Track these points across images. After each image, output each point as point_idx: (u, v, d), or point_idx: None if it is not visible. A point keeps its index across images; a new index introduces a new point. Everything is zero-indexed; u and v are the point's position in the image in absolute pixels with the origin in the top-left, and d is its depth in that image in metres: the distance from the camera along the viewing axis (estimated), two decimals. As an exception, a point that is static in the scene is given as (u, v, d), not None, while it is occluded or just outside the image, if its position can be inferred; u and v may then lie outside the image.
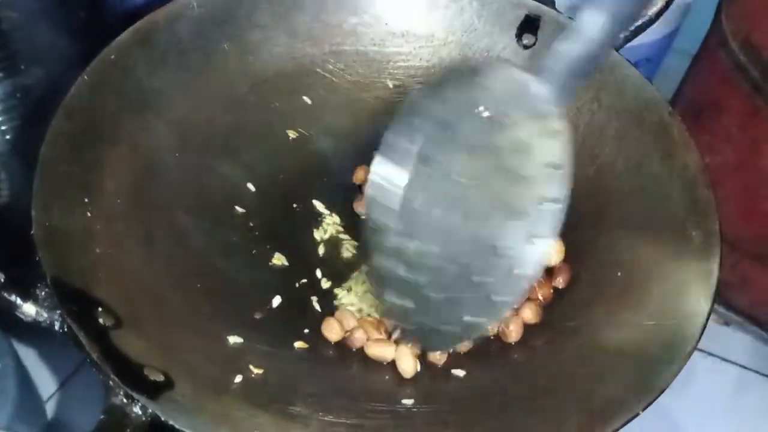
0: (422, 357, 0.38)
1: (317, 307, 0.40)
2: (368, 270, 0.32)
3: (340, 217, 0.45)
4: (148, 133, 0.42)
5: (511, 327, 0.39)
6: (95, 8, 0.54)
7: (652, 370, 0.34)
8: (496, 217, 0.31)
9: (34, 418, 0.55)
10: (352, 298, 0.41)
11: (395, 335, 0.38)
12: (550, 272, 0.41)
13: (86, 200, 0.38)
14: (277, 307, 0.40)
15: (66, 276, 0.34)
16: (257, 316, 0.39)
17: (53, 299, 0.33)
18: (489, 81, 0.31)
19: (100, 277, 0.36)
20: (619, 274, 0.40)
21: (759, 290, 0.67)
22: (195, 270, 0.39)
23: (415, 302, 0.32)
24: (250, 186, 0.44)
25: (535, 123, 0.31)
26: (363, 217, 0.32)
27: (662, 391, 0.33)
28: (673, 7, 0.46)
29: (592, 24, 0.30)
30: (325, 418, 0.34)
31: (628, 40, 0.45)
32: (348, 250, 0.43)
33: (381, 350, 0.38)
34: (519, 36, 0.47)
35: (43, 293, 0.33)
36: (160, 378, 0.32)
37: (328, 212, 0.45)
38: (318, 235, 0.44)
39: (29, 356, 0.62)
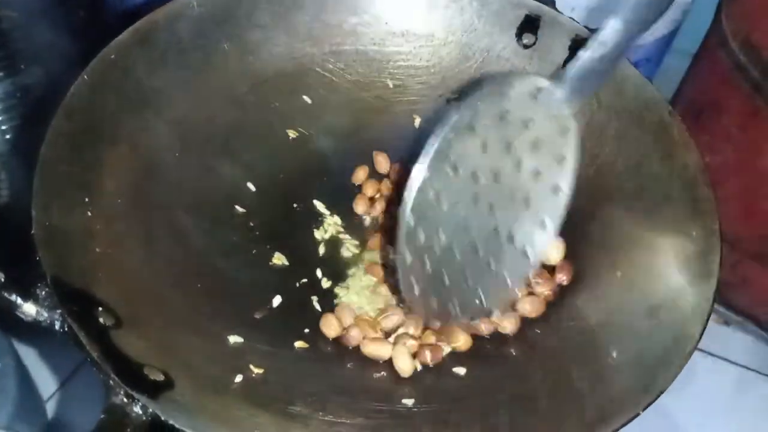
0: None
1: (317, 306, 0.40)
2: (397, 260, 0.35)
3: (340, 216, 0.45)
4: (148, 132, 0.42)
5: (508, 319, 0.39)
6: (95, 8, 0.54)
7: (652, 370, 0.34)
8: (513, 207, 0.35)
9: (35, 417, 0.55)
10: (351, 296, 0.41)
11: (390, 328, 0.39)
12: (552, 270, 0.41)
13: (86, 200, 0.38)
14: (278, 306, 0.40)
15: (66, 276, 0.34)
16: (257, 315, 0.39)
17: (53, 299, 0.33)
18: (512, 89, 0.35)
19: (101, 276, 0.36)
20: (618, 274, 0.40)
21: (759, 290, 0.67)
22: (195, 270, 0.39)
23: (433, 286, 0.35)
24: (251, 186, 0.44)
25: (551, 124, 0.35)
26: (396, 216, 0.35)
27: (663, 391, 0.33)
28: (673, 6, 0.46)
29: (609, 31, 0.33)
30: (326, 418, 0.34)
31: (628, 39, 0.45)
32: (348, 250, 0.43)
33: (376, 348, 0.38)
34: (519, 36, 0.47)
35: (43, 293, 0.33)
36: (161, 378, 0.32)
37: (329, 212, 0.45)
38: (318, 234, 0.44)
39: (29, 356, 0.62)
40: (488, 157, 0.34)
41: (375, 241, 0.44)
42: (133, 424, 0.31)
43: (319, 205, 0.45)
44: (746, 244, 0.63)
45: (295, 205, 0.44)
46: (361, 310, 0.40)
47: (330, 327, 0.39)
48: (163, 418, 0.31)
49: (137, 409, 0.31)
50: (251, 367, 0.36)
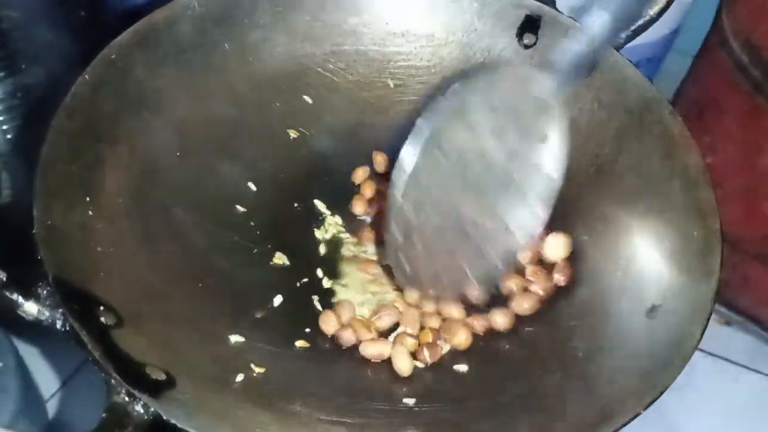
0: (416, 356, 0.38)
1: (318, 306, 0.40)
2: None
3: (341, 216, 0.45)
4: (148, 132, 0.42)
5: (501, 316, 0.39)
6: (95, 8, 0.54)
7: (652, 370, 0.34)
8: (501, 189, 0.36)
9: (36, 416, 0.55)
10: (348, 293, 0.41)
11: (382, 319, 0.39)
12: (550, 267, 0.41)
13: (87, 199, 0.38)
14: (279, 306, 0.40)
15: (67, 275, 0.34)
16: (258, 315, 0.39)
17: (55, 298, 0.33)
18: (500, 78, 0.36)
19: (102, 276, 0.36)
20: (619, 273, 0.40)
21: (760, 290, 0.67)
22: (196, 269, 0.39)
23: (410, 251, 0.37)
24: (251, 185, 0.44)
25: (538, 111, 0.36)
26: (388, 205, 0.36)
27: (663, 391, 0.33)
28: (674, 6, 0.46)
29: (596, 22, 0.34)
30: (327, 417, 0.34)
31: (629, 39, 0.45)
32: (349, 250, 0.43)
33: (376, 349, 0.38)
34: (520, 36, 0.47)
35: (44, 292, 0.33)
36: (162, 377, 0.33)
37: (329, 212, 0.45)
38: (319, 234, 0.44)
39: (31, 355, 0.62)
40: (476, 141, 0.35)
41: (366, 234, 0.44)
42: (134, 423, 0.31)
43: (320, 205, 0.45)
44: (747, 244, 0.63)
45: (295, 205, 0.44)
46: (362, 306, 0.40)
47: (328, 323, 0.39)
48: (164, 417, 0.31)
49: (139, 408, 0.31)
50: (252, 366, 0.36)
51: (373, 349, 0.38)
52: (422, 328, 0.39)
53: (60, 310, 0.33)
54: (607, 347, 0.37)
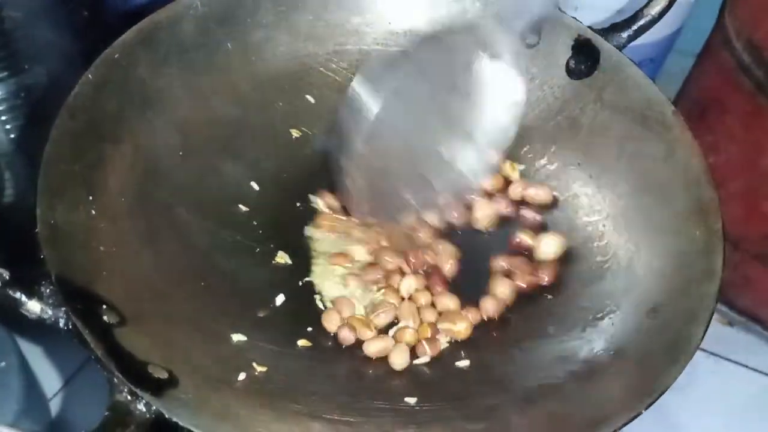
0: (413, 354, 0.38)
1: (320, 305, 0.40)
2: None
3: (342, 216, 0.45)
4: (151, 132, 0.42)
5: (489, 303, 0.40)
6: (98, 8, 0.54)
7: (654, 370, 0.34)
8: (453, 130, 0.38)
9: (39, 415, 0.55)
10: (327, 288, 0.41)
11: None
12: (535, 262, 0.42)
13: (90, 199, 0.38)
14: (281, 305, 0.40)
15: (70, 274, 0.34)
16: (260, 314, 0.39)
17: (58, 297, 0.33)
18: (456, 34, 0.39)
19: (104, 275, 0.36)
20: (621, 273, 0.40)
21: (762, 290, 0.67)
22: (199, 268, 0.40)
23: (365, 186, 0.39)
24: (254, 185, 0.44)
25: (490, 62, 0.38)
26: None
27: (664, 391, 0.33)
28: (676, 6, 0.46)
29: None
30: (329, 416, 0.34)
31: (631, 39, 0.45)
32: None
33: (379, 345, 0.38)
34: (522, 35, 0.47)
35: (47, 291, 0.33)
36: (164, 375, 0.33)
37: (331, 211, 0.45)
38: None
39: (34, 353, 0.62)
40: (427, 83, 0.37)
41: (326, 221, 0.43)
42: (136, 421, 0.31)
43: (321, 204, 0.45)
44: (749, 244, 0.62)
45: (298, 204, 0.45)
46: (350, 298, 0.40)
47: (331, 321, 0.39)
48: (166, 416, 0.31)
49: (141, 407, 0.31)
50: (254, 365, 0.36)
51: (376, 347, 0.38)
52: (421, 322, 0.39)
53: (63, 309, 0.33)
54: (609, 346, 0.37)
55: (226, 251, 0.41)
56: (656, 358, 0.35)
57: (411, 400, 0.36)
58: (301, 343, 0.38)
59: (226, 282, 0.40)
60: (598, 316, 0.39)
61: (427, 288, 0.41)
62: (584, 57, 0.45)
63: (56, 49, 0.50)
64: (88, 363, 0.63)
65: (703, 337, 0.35)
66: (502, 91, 0.38)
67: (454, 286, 0.41)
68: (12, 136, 0.51)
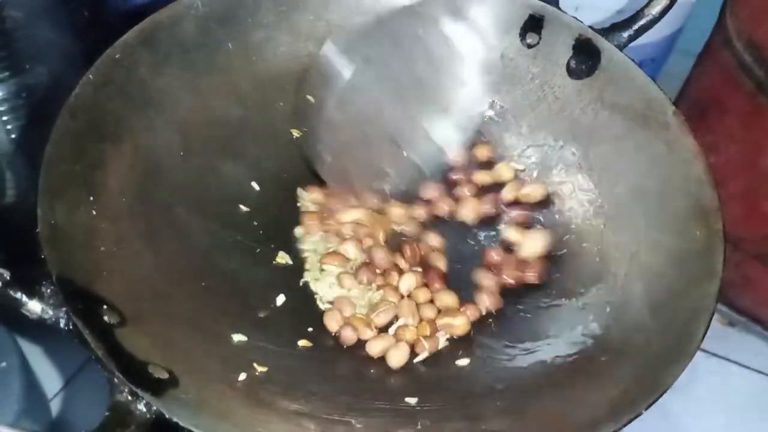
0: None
1: (321, 305, 0.40)
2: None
3: (343, 216, 0.45)
4: (152, 132, 0.42)
5: (487, 297, 0.40)
6: (99, 8, 0.54)
7: (655, 370, 0.34)
8: (417, 95, 0.38)
9: (39, 415, 0.55)
10: (324, 288, 0.41)
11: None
12: (522, 259, 0.42)
13: (91, 199, 0.38)
14: (281, 305, 0.40)
15: (71, 274, 0.34)
16: (261, 314, 0.39)
17: (58, 297, 0.33)
18: (431, 6, 0.39)
19: (105, 275, 0.36)
20: (622, 273, 0.40)
21: (762, 290, 0.66)
22: (199, 268, 0.40)
23: (338, 152, 0.39)
24: (254, 185, 0.44)
25: (464, 31, 0.39)
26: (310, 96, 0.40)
27: (665, 391, 0.33)
28: (676, 6, 0.46)
29: None
30: (329, 416, 0.34)
31: (632, 39, 0.45)
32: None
33: (381, 344, 0.38)
34: (523, 35, 0.47)
35: (48, 291, 0.33)
36: (165, 375, 0.33)
37: (317, 208, 0.45)
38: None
39: (34, 354, 0.62)
40: (401, 52, 0.37)
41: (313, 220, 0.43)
42: (137, 421, 0.31)
43: (308, 201, 0.45)
44: (749, 244, 0.62)
45: (298, 205, 0.45)
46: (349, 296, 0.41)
47: (333, 320, 0.39)
48: (167, 416, 0.31)
49: (141, 407, 0.31)
50: (255, 365, 0.36)
51: (378, 346, 0.38)
52: (420, 320, 0.39)
53: (63, 309, 0.33)
54: (609, 347, 0.37)
55: (227, 251, 0.41)
56: (656, 358, 0.35)
57: (411, 401, 0.36)
58: (302, 343, 0.38)
59: (226, 282, 0.40)
60: (599, 316, 0.39)
61: (426, 285, 0.41)
62: (585, 57, 0.45)
63: (57, 49, 0.50)
64: (88, 363, 0.63)
65: (703, 338, 0.35)
66: (475, 60, 0.38)
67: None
68: (13, 136, 0.51)
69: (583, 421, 0.34)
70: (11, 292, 0.33)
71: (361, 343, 0.39)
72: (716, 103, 0.61)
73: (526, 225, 0.44)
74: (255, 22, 0.47)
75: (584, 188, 0.44)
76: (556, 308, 0.41)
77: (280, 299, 0.40)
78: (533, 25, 0.46)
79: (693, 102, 0.66)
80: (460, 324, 0.39)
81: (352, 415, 0.35)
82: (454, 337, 0.39)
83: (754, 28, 0.57)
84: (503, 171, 0.45)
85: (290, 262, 0.42)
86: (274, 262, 0.42)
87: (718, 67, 0.61)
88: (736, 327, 0.71)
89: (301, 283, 0.41)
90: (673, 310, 0.37)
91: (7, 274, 0.33)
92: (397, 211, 0.43)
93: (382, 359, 0.38)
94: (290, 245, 0.43)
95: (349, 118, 0.38)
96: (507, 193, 0.44)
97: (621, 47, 0.45)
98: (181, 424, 0.31)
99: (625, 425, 0.32)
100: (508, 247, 0.43)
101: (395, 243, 0.43)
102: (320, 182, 0.44)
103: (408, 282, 0.40)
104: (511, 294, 0.41)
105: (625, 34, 0.45)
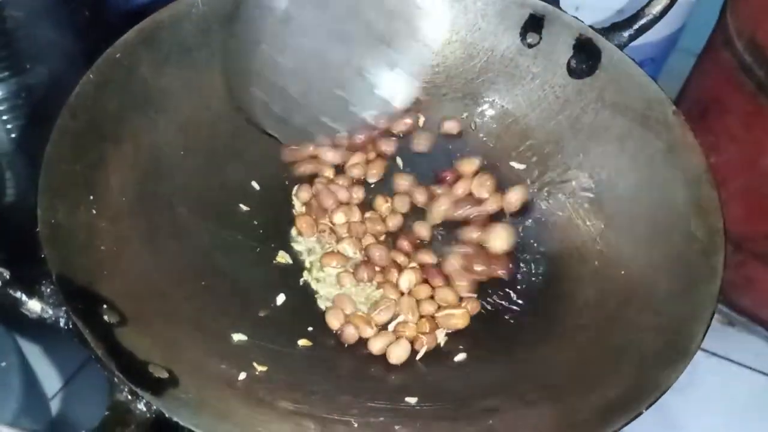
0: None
1: (321, 305, 0.40)
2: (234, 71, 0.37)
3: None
4: (152, 131, 0.42)
5: (463, 282, 0.41)
6: (99, 7, 0.55)
7: (655, 370, 0.34)
8: (364, 43, 0.37)
9: (39, 414, 0.55)
10: (326, 288, 0.41)
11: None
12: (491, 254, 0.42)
13: (91, 198, 0.38)
14: (281, 305, 0.40)
15: (71, 273, 0.34)
16: (261, 313, 0.39)
17: (58, 296, 0.33)
18: None
19: (105, 274, 0.36)
20: (622, 272, 0.40)
21: (763, 290, 0.67)
22: (199, 268, 0.40)
23: (277, 98, 0.37)
24: (255, 184, 0.44)
25: None
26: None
27: (665, 391, 0.33)
28: (677, 6, 0.46)
29: None
30: (329, 416, 0.34)
31: (632, 38, 0.45)
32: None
33: (382, 342, 0.38)
34: (523, 35, 0.47)
35: (48, 290, 0.33)
36: (165, 375, 0.33)
37: (307, 208, 0.45)
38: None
39: (34, 353, 0.62)
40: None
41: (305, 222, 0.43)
42: (137, 421, 0.31)
43: (299, 204, 0.45)
44: (750, 243, 0.62)
45: (293, 205, 0.44)
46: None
47: (335, 318, 0.39)
48: (167, 415, 0.31)
49: (141, 406, 0.31)
50: (255, 364, 0.36)
51: (380, 343, 0.38)
52: (420, 317, 0.40)
53: (63, 309, 0.33)
54: (610, 346, 0.37)
55: (227, 251, 0.41)
56: (657, 358, 0.35)
57: (412, 400, 0.36)
58: (302, 342, 0.38)
59: (226, 281, 0.40)
60: (600, 315, 0.39)
61: (425, 281, 0.41)
62: (585, 56, 0.45)
63: (58, 49, 0.50)
64: (88, 362, 0.63)
65: (704, 338, 0.35)
66: (431, 14, 0.37)
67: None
68: (13, 135, 0.51)
69: (584, 420, 0.34)
70: (11, 292, 0.33)
71: (361, 342, 0.39)
72: (717, 103, 0.61)
73: (488, 221, 0.43)
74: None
75: (585, 188, 0.44)
76: (556, 308, 0.40)
77: (280, 298, 0.40)
78: (534, 24, 0.46)
79: (693, 102, 0.66)
80: (459, 316, 0.39)
81: (353, 415, 0.35)
82: (454, 331, 0.39)
83: (754, 28, 0.57)
84: (475, 187, 0.45)
85: (290, 262, 0.42)
86: (274, 261, 0.42)
87: (718, 67, 0.61)
88: (737, 327, 0.71)
89: (301, 283, 0.41)
90: (673, 309, 0.37)
91: (7, 274, 0.33)
92: (381, 204, 0.43)
93: (382, 358, 0.38)
94: (290, 245, 0.43)
95: (286, 62, 0.36)
96: (489, 206, 0.44)
97: (621, 47, 0.45)
98: (181, 423, 0.31)
99: (625, 425, 0.32)
100: (478, 244, 0.43)
101: (389, 239, 0.43)
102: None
103: (407, 279, 0.40)
104: (511, 294, 0.41)
105: (626, 34, 0.45)
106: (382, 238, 0.43)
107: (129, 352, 0.33)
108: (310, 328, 0.39)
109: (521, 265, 0.43)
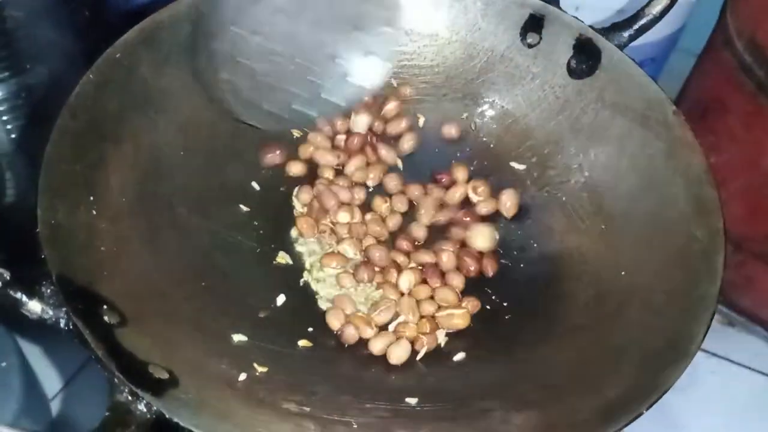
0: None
1: (321, 305, 0.40)
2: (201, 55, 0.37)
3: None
4: (152, 131, 0.42)
5: (455, 282, 0.41)
6: (99, 8, 0.54)
7: (655, 370, 0.34)
8: (336, 28, 0.36)
9: (39, 415, 0.55)
10: (325, 288, 0.41)
11: None
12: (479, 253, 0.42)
13: (91, 198, 0.38)
14: (281, 305, 0.40)
15: (71, 274, 0.34)
16: (261, 314, 0.39)
17: (58, 297, 0.33)
18: None
19: (105, 275, 0.36)
20: (623, 273, 0.40)
21: (763, 290, 0.67)
22: (199, 268, 0.40)
23: (247, 82, 0.37)
24: (255, 185, 0.44)
25: None
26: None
27: (666, 391, 0.33)
28: (677, 6, 0.46)
29: None
30: (329, 417, 0.34)
31: (632, 38, 0.45)
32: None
33: (383, 342, 0.38)
34: (523, 35, 0.47)
35: (48, 291, 0.33)
36: (165, 375, 0.33)
37: (307, 210, 0.44)
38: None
39: (34, 354, 0.62)
40: None
41: (306, 224, 0.43)
42: (137, 421, 0.31)
43: (299, 205, 0.45)
44: (751, 243, 0.62)
45: (293, 206, 0.44)
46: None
47: (335, 318, 0.39)
48: (167, 416, 0.31)
49: (141, 407, 0.31)
50: (255, 365, 0.36)
51: (380, 344, 0.38)
52: (420, 317, 0.40)
53: (63, 309, 0.33)
54: (610, 346, 0.37)
55: (227, 251, 0.41)
56: (657, 359, 0.35)
57: (412, 401, 0.36)
58: (302, 343, 0.38)
59: (226, 282, 0.40)
60: (600, 315, 0.39)
61: (425, 281, 0.41)
62: (585, 56, 0.45)
63: (58, 49, 0.50)
64: (88, 363, 0.63)
65: (704, 338, 0.35)
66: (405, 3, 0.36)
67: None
68: (13, 135, 0.51)
69: (584, 420, 0.34)
70: (11, 292, 0.33)
71: (361, 343, 0.39)
72: (717, 103, 0.61)
73: (475, 221, 0.44)
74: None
75: (585, 188, 0.44)
76: (557, 308, 0.40)
77: (281, 299, 0.40)
78: (534, 24, 0.46)
79: (694, 102, 0.66)
80: (460, 316, 0.39)
81: (353, 415, 0.35)
82: (454, 331, 0.39)
83: (754, 28, 0.57)
84: (470, 191, 0.45)
85: (290, 262, 0.42)
86: (274, 262, 0.42)
87: (718, 67, 0.61)
88: (737, 327, 0.71)
89: (301, 283, 0.41)
90: (673, 310, 0.37)
91: (7, 274, 0.33)
92: (380, 204, 0.43)
93: (382, 359, 0.38)
94: (290, 245, 0.43)
95: (256, 45, 0.36)
96: (480, 209, 0.44)
97: (621, 47, 0.45)
98: (182, 424, 0.31)
99: (626, 425, 0.32)
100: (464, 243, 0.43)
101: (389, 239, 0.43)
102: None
103: (407, 279, 0.40)
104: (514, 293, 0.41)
105: (626, 34, 0.45)
106: (383, 238, 0.43)
107: (129, 353, 0.33)
108: (310, 329, 0.39)
109: (521, 265, 0.43)
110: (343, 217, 0.42)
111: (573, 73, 0.46)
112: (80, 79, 0.39)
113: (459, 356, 0.38)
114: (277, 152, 0.44)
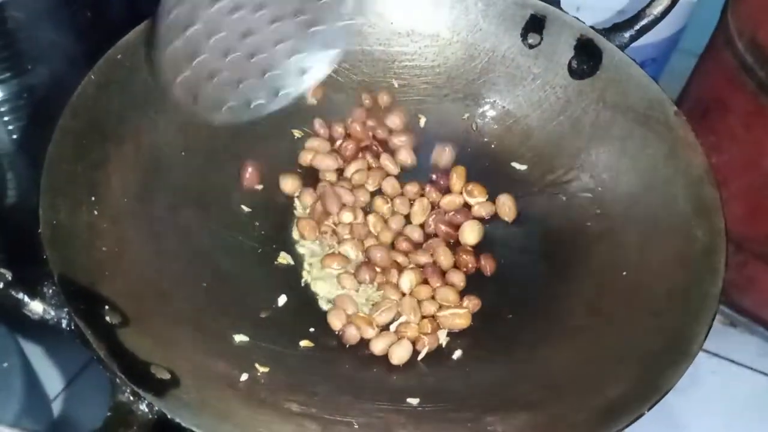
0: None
1: (322, 306, 0.40)
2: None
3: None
4: (153, 131, 0.42)
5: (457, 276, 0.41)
6: (101, 8, 0.55)
7: (657, 370, 0.34)
8: (292, 23, 0.37)
9: (41, 415, 0.55)
10: (324, 287, 0.41)
11: None
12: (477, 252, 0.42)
13: (92, 199, 0.38)
14: (283, 306, 0.40)
15: (73, 274, 0.34)
16: (263, 314, 0.39)
17: (60, 297, 0.33)
18: None
19: (107, 275, 0.36)
20: (624, 273, 0.40)
21: (765, 290, 0.67)
22: (201, 269, 0.40)
23: (202, 73, 0.37)
24: (256, 185, 0.44)
25: None
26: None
27: (667, 392, 0.33)
28: (678, 6, 0.46)
29: None
30: (331, 417, 0.34)
31: (633, 39, 0.45)
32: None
33: (384, 343, 0.38)
34: (524, 35, 0.47)
35: (50, 291, 0.33)
36: (167, 376, 0.33)
37: (308, 211, 0.45)
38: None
39: (36, 354, 0.62)
40: None
41: (307, 225, 0.43)
42: (138, 422, 0.31)
43: (300, 206, 0.45)
44: (752, 243, 0.62)
45: (294, 208, 0.45)
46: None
47: (336, 318, 0.39)
48: (169, 416, 0.31)
49: (143, 407, 0.31)
50: (257, 366, 0.36)
51: (382, 344, 0.38)
52: (422, 317, 0.40)
53: (65, 310, 0.33)
54: (611, 347, 0.37)
55: (229, 252, 0.41)
56: (658, 359, 0.35)
57: (413, 401, 0.36)
58: (304, 343, 0.38)
59: (228, 282, 0.40)
60: (600, 316, 0.39)
61: (425, 281, 0.41)
62: (586, 57, 0.45)
63: (59, 50, 0.50)
64: (90, 363, 0.63)
65: (705, 338, 0.35)
66: None
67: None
68: (15, 136, 0.51)
69: (584, 420, 0.34)
70: (13, 293, 0.33)
71: (362, 343, 0.39)
72: (718, 103, 0.61)
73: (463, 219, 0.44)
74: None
75: (586, 188, 0.44)
76: (557, 307, 0.40)
77: (282, 299, 0.40)
78: (535, 25, 0.46)
79: (695, 102, 0.66)
80: (461, 316, 0.39)
81: (354, 416, 0.35)
82: (456, 330, 0.39)
83: (755, 28, 0.57)
84: (465, 195, 0.45)
85: (291, 263, 0.42)
86: (275, 262, 0.42)
87: (719, 68, 0.61)
88: (738, 327, 0.71)
89: (302, 284, 0.41)
90: (675, 310, 0.37)
91: (8, 275, 0.33)
92: (382, 205, 0.44)
93: (384, 359, 0.38)
94: (291, 246, 0.43)
95: (216, 44, 0.36)
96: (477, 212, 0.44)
97: (622, 47, 0.45)
98: (183, 424, 0.31)
99: (627, 426, 0.32)
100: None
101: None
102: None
103: (408, 279, 0.40)
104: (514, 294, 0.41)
105: (627, 35, 0.45)
106: (386, 240, 0.43)
107: (131, 353, 0.33)
108: (311, 329, 0.39)
109: (522, 265, 0.43)
110: (347, 216, 0.43)
111: (574, 73, 0.46)
112: (82, 80, 0.40)
113: (457, 353, 0.38)
114: (249, 170, 0.44)
